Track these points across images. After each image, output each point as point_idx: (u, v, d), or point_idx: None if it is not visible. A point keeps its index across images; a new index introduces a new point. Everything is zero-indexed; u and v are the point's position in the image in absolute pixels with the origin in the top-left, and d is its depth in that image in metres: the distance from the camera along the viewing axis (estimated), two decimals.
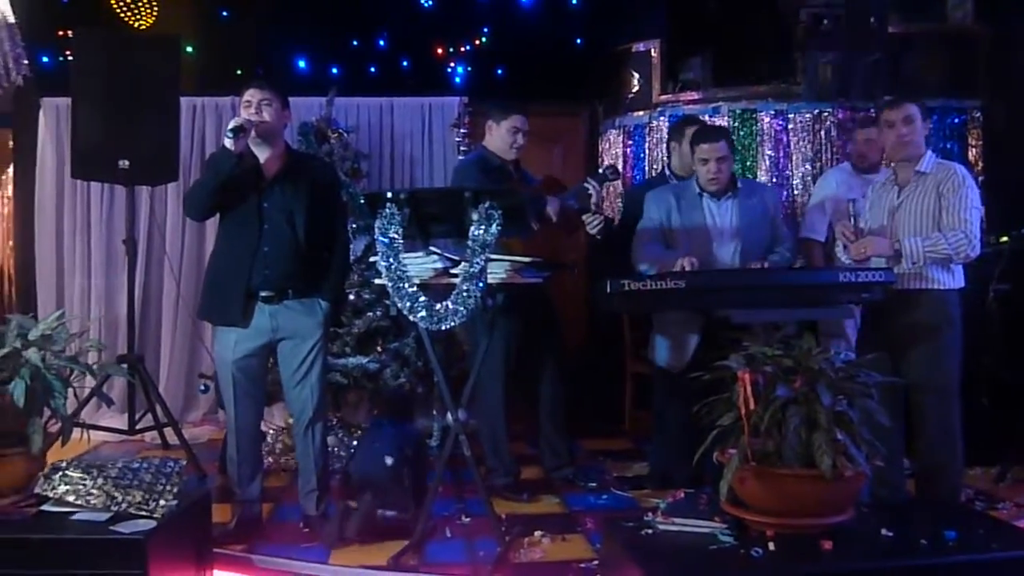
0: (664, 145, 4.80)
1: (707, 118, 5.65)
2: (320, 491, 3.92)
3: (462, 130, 6.21)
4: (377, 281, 3.71)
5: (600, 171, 4.76)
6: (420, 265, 3.57)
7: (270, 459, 4.87)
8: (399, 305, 3.54)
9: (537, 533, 3.84)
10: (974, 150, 5.55)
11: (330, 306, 3.87)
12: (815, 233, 4.77)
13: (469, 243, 3.45)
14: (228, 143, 3.61)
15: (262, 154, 3.78)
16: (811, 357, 2.91)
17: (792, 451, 2.78)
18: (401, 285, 3.49)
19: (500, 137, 4.46)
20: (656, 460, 4.62)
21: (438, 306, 3.47)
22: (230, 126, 3.63)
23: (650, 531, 2.99)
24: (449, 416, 3.84)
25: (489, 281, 3.48)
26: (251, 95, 3.75)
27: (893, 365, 3.71)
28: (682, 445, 4.23)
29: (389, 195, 3.55)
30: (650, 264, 4.13)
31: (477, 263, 3.42)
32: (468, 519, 4.09)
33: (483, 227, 3.41)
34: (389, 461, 3.87)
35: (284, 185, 3.79)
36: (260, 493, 3.95)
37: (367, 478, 3.89)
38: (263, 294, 3.74)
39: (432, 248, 3.64)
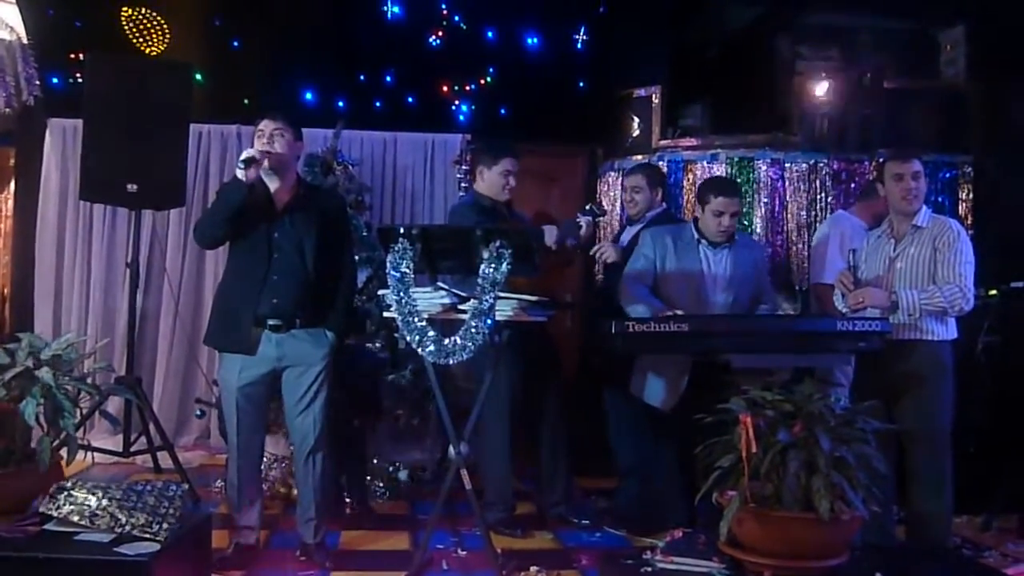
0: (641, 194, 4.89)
1: (705, 164, 5.79)
2: (319, 519, 3.95)
3: (464, 167, 6.30)
4: (387, 314, 3.76)
5: (587, 207, 4.85)
6: (428, 300, 3.64)
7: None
8: (408, 339, 3.60)
9: (533, 568, 3.87)
10: (964, 204, 5.68)
11: (336, 336, 3.92)
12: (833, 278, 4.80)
13: (479, 280, 3.52)
14: (240, 173, 3.66)
15: (273, 184, 3.82)
16: (811, 402, 2.98)
17: (791, 494, 2.85)
18: (411, 319, 3.55)
19: (492, 181, 4.55)
20: (625, 501, 4.70)
21: (446, 341, 3.53)
22: (242, 157, 3.67)
23: (649, 569, 3.04)
24: (450, 450, 3.88)
25: (497, 318, 3.55)
26: (264, 125, 3.80)
27: (887, 413, 3.78)
28: (675, 486, 4.31)
29: (402, 230, 3.62)
30: (640, 307, 4.17)
31: (487, 300, 3.48)
32: (464, 552, 4.12)
33: (493, 265, 3.48)
34: None
35: (295, 215, 3.84)
36: (259, 520, 3.97)
37: None
38: (271, 323, 3.78)
39: (440, 284, 3.70)
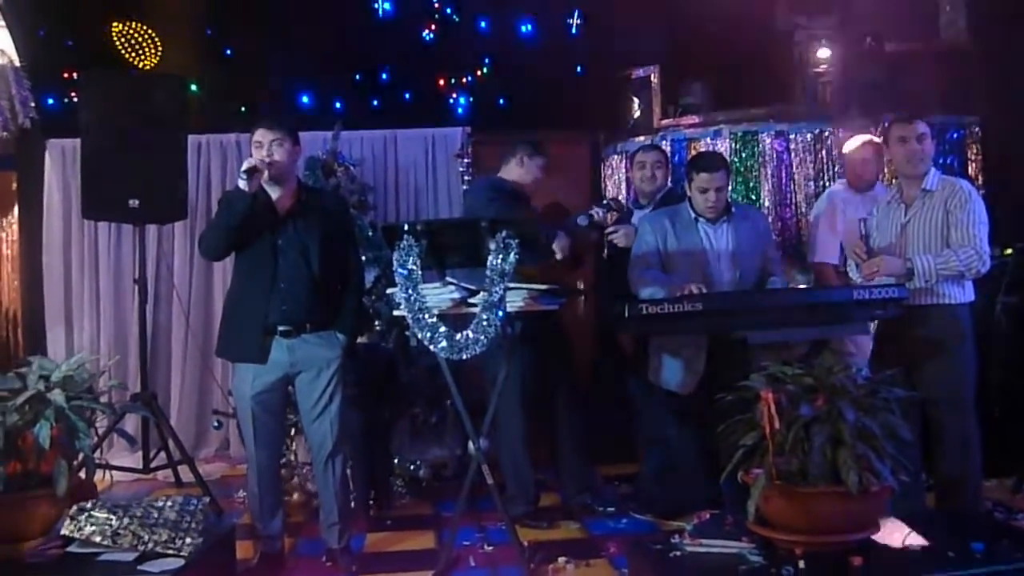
0: (662, 170, 4.87)
1: (709, 141, 5.72)
2: (342, 523, 3.93)
3: (466, 160, 6.27)
4: (396, 312, 3.73)
5: (604, 201, 4.87)
6: (438, 296, 3.60)
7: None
8: (419, 336, 3.56)
9: (561, 559, 3.85)
10: (974, 164, 5.61)
11: (347, 338, 3.89)
12: (829, 256, 4.77)
13: (487, 272, 3.48)
14: (242, 184, 3.63)
15: (275, 192, 3.80)
16: (832, 375, 2.94)
17: (818, 469, 2.80)
18: (421, 316, 3.52)
19: (530, 171, 4.60)
20: (649, 482, 4.66)
21: (458, 336, 3.49)
22: (243, 168, 3.64)
23: (678, 553, 3.01)
24: (470, 445, 3.83)
25: (508, 309, 3.51)
26: (262, 135, 3.76)
27: (908, 380, 3.73)
28: (699, 467, 4.27)
29: (406, 227, 3.59)
30: (654, 288, 4.12)
31: (496, 292, 3.45)
32: (490, 547, 4.10)
33: (501, 256, 3.44)
34: None
35: (298, 221, 3.82)
36: (282, 528, 3.95)
37: None
38: (281, 329, 3.76)
39: (448, 279, 3.66)
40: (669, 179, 4.93)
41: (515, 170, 4.60)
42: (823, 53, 5.67)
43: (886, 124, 4.47)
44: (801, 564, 2.78)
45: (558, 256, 4.41)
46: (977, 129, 5.59)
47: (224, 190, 5.65)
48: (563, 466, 4.68)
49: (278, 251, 3.77)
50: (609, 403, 5.64)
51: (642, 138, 5.99)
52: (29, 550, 3.14)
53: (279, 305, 3.76)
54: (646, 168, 4.78)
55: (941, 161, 5.41)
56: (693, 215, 4.24)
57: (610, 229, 4.66)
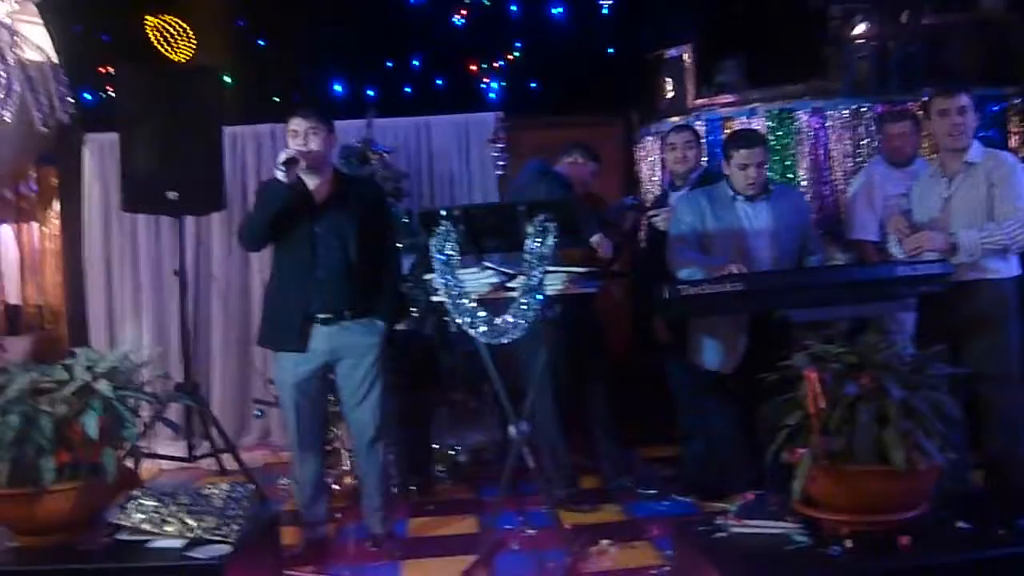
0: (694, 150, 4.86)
1: (744, 120, 5.66)
2: (385, 509, 3.95)
3: (499, 145, 6.24)
4: (434, 298, 3.73)
5: (629, 198, 4.97)
6: (476, 280, 3.60)
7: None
8: (458, 321, 3.57)
9: (604, 542, 3.85)
10: (1016, 136, 5.50)
11: (386, 325, 3.91)
12: (868, 233, 4.72)
13: (526, 256, 3.47)
14: (280, 175, 3.64)
15: (312, 181, 3.81)
16: (877, 352, 2.90)
17: (864, 447, 2.77)
18: (460, 301, 3.52)
19: (582, 171, 4.74)
20: (691, 465, 4.65)
21: (497, 320, 3.49)
22: (281, 159, 3.65)
23: (723, 534, 2.99)
24: (511, 429, 3.82)
25: (547, 292, 3.50)
26: (297, 124, 3.77)
27: (953, 357, 3.67)
28: (739, 447, 4.24)
29: (444, 212, 3.59)
30: (692, 269, 4.10)
31: (535, 275, 3.44)
32: (533, 531, 4.10)
33: (539, 240, 3.43)
34: None
35: (335, 209, 3.83)
36: (326, 514, 3.99)
37: None
38: (321, 316, 3.79)
39: (486, 263, 3.66)
40: (703, 159, 4.90)
41: (568, 166, 4.69)
42: (859, 27, 5.58)
43: (926, 98, 4.40)
44: (848, 543, 2.75)
45: (599, 253, 4.44)
46: (1018, 100, 5.48)
47: (260, 180, 5.68)
48: (599, 450, 4.68)
49: (316, 240, 3.79)
50: (649, 385, 5.62)
51: (676, 119, 5.95)
52: (79, 538, 3.19)
53: (319, 294, 3.78)
54: (677, 149, 4.75)
55: (981, 135, 5.31)
56: (731, 194, 4.20)
57: (651, 212, 4.67)
